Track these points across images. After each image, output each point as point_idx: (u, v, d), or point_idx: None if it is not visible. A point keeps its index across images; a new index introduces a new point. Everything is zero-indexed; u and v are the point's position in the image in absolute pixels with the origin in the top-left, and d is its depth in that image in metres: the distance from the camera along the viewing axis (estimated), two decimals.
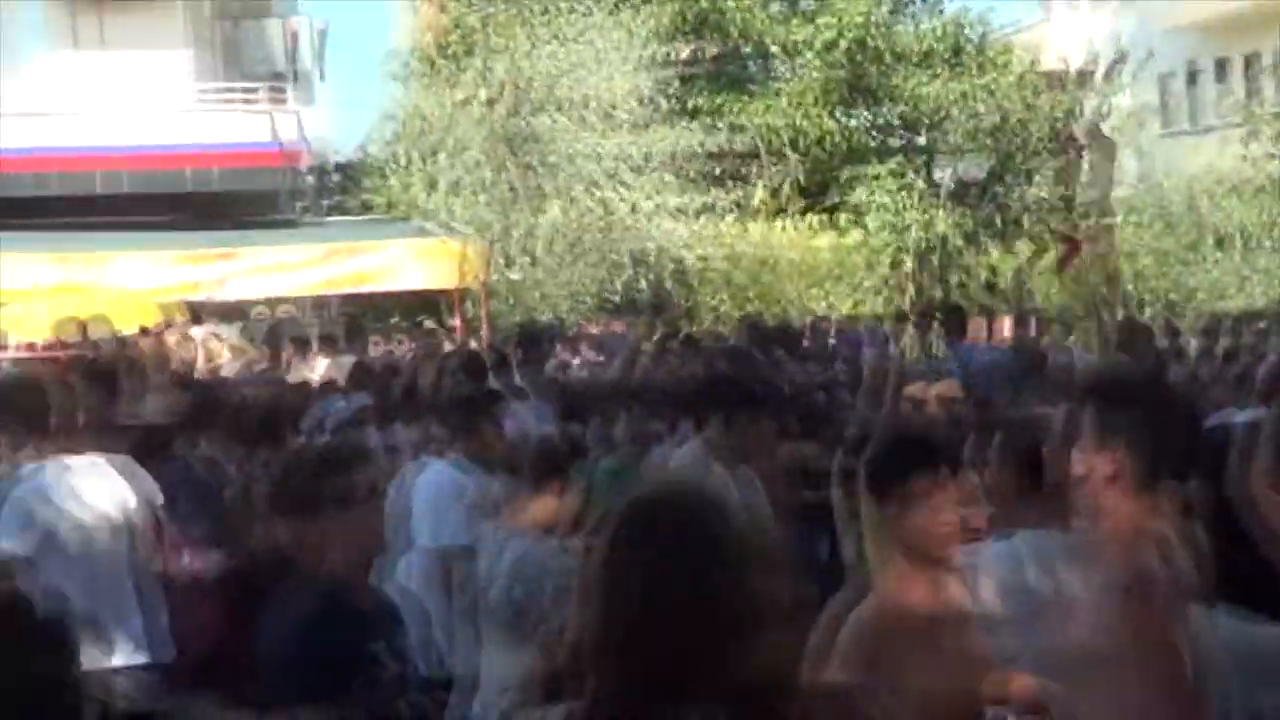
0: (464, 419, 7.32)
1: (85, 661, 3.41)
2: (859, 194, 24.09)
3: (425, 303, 21.41)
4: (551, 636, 4.39)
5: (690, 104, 24.67)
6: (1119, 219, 23.53)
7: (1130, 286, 21.53)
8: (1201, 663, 2.77)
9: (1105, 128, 24.35)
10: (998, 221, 24.01)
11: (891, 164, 24.54)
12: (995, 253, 23.39)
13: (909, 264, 22.67)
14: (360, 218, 23.08)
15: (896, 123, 25.78)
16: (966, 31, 25.43)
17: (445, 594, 6.66)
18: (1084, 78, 25.87)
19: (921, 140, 25.52)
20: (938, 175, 23.77)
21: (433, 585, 6.75)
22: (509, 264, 21.03)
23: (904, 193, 23.73)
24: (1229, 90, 28.01)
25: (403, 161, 22.80)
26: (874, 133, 25.93)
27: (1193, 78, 34.81)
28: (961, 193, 22.99)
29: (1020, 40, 27.20)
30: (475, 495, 6.76)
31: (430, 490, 7.08)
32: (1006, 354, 13.13)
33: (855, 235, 23.70)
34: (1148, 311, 19.85)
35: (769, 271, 22.60)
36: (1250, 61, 32.06)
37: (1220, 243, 22.34)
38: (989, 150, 24.10)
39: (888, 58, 25.01)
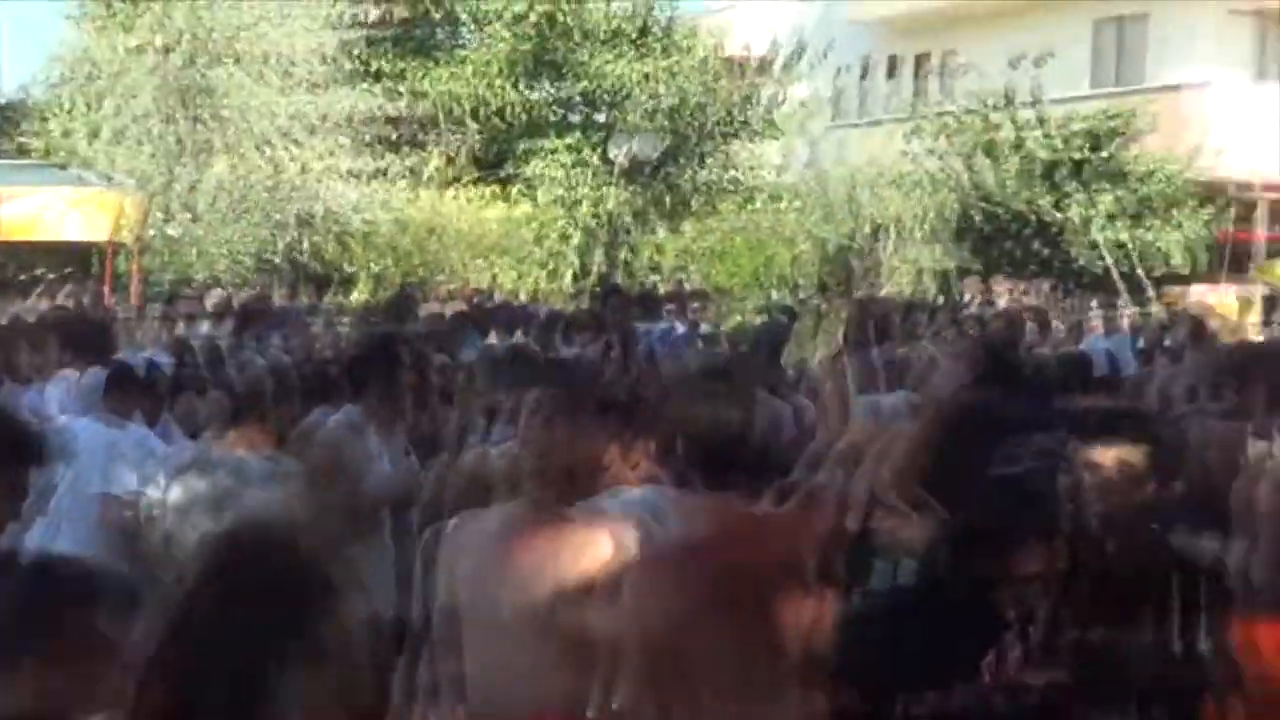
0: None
1: None
2: (533, 167, 24.71)
3: (76, 256, 20.90)
4: None
5: (374, 67, 24.83)
6: (783, 204, 24.71)
7: (789, 270, 22.64)
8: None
9: (778, 116, 25.54)
10: (667, 201, 24.98)
11: (569, 139, 25.20)
12: (662, 232, 24.28)
13: (576, 239, 23.37)
14: (12, 161, 22.45)
15: (578, 99, 26.28)
16: (654, 12, 26.17)
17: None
18: (765, 65, 27.05)
19: (601, 117, 26.15)
20: (613, 153, 24.47)
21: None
22: (169, 219, 20.86)
23: (578, 168, 24.43)
24: (899, 87, 29.62)
25: (66, 106, 22.43)
26: (555, 107, 26.29)
27: (865, 72, 36.86)
28: (635, 171, 23.82)
29: (707, 24, 28.21)
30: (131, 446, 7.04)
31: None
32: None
33: (526, 208, 24.28)
34: (798, 296, 20.94)
35: (436, 240, 22.92)
36: (921, 60, 34.22)
37: (876, 232, 23.79)
38: (665, 131, 24.99)
39: (575, 34, 25.55)
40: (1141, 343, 15.63)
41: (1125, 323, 20.69)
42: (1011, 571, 3.43)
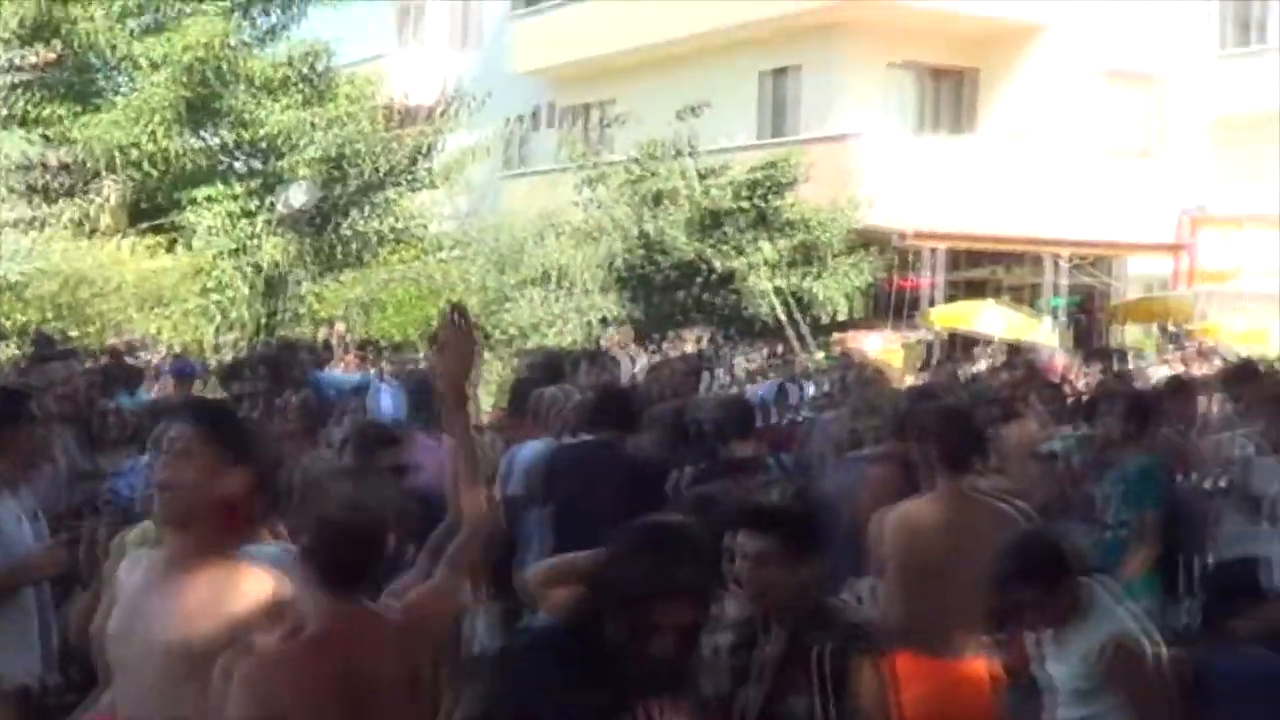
0: None
1: None
2: (193, 215, 24.16)
3: None
4: None
5: (31, 114, 23.94)
6: (446, 253, 24.78)
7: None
8: None
9: (439, 165, 25.60)
10: (327, 251, 24.77)
11: (230, 187, 24.72)
12: (322, 282, 24.03)
13: (238, 289, 22.89)
14: None
15: (239, 146, 25.86)
16: (315, 61, 25.90)
17: None
18: (425, 114, 27.02)
19: (262, 165, 25.78)
20: (276, 201, 24.14)
21: None
22: None
23: (239, 217, 24.01)
24: (568, 136, 29.98)
25: None
26: (217, 155, 25.91)
27: (535, 122, 37.19)
28: (295, 220, 23.52)
29: (369, 72, 28.00)
30: None
31: None
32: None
33: (190, 258, 23.66)
34: None
35: (87, 288, 22.08)
36: (586, 110, 34.65)
37: (536, 281, 23.93)
38: (325, 179, 24.76)
39: (236, 81, 25.14)
40: (811, 389, 15.93)
41: (792, 370, 21.22)
42: (659, 622, 3.72)
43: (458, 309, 4.46)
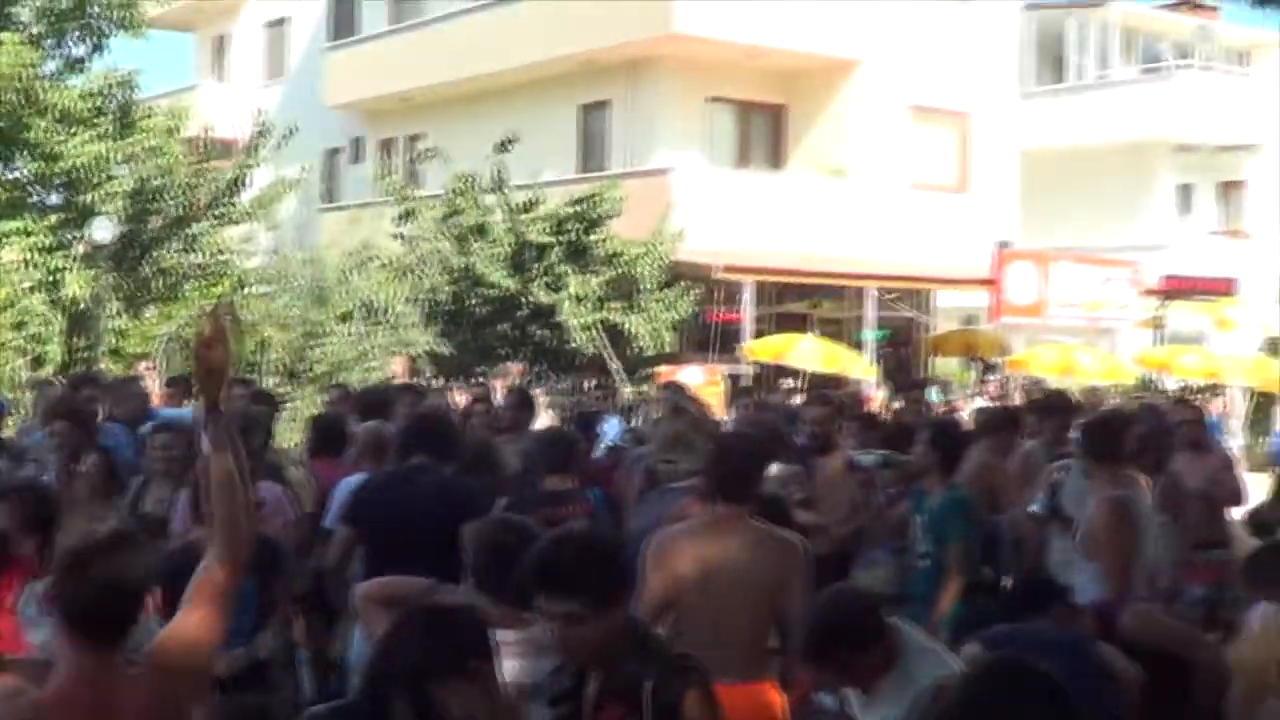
0: None
1: None
2: (10, 250, 23.76)
3: None
4: None
5: None
6: (258, 288, 24.59)
7: (257, 355, 22.41)
8: None
9: (246, 199, 25.41)
10: (136, 285, 24.41)
11: (37, 221, 24.29)
12: (125, 317, 23.66)
13: (48, 324, 22.46)
14: None
15: (46, 179, 25.37)
16: (122, 92, 25.53)
17: None
18: (241, 147, 26.76)
19: (70, 198, 25.32)
20: (77, 235, 23.78)
21: None
22: None
23: (47, 251, 23.63)
24: (384, 169, 29.96)
25: None
26: (24, 187, 25.42)
27: (353, 155, 37.15)
28: (102, 254, 23.16)
29: (172, 105, 27.64)
30: None
31: None
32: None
33: (4, 292, 23.16)
34: (272, 380, 20.72)
35: None
36: (403, 144, 34.79)
37: (351, 315, 23.85)
38: (134, 213, 24.46)
39: (36, 113, 24.68)
40: (637, 421, 16.22)
41: (614, 402, 21.48)
42: (444, 703, 3.87)
43: (222, 308, 4.42)
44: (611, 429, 14.64)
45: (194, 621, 4.07)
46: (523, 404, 12.07)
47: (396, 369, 21.14)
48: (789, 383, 23.10)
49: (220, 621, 4.10)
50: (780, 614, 6.14)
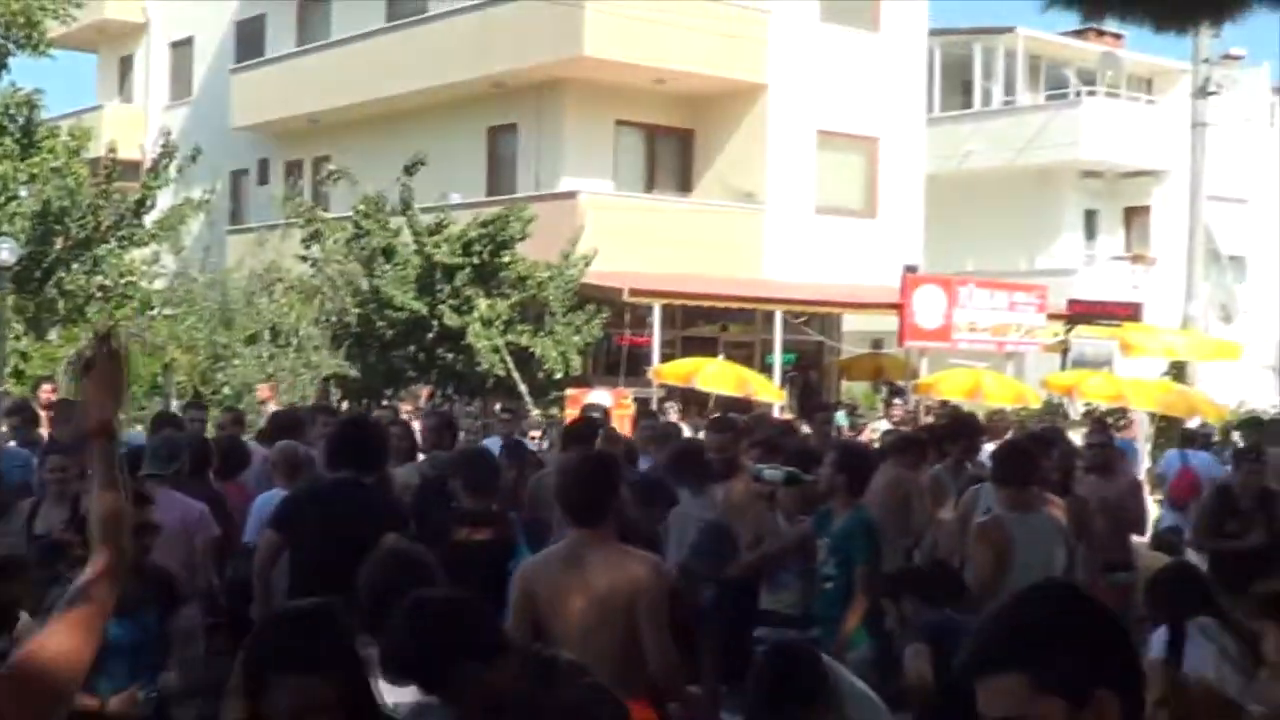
0: None
1: None
2: None
3: None
4: None
5: None
6: (157, 311, 24.65)
7: (163, 378, 22.52)
8: None
9: (151, 220, 25.46)
10: (33, 307, 24.42)
11: None
12: (27, 339, 23.68)
13: None
14: None
15: None
16: (17, 112, 25.55)
17: None
18: (138, 169, 26.80)
19: None
20: None
21: None
22: None
23: None
24: (292, 191, 30.04)
25: None
26: None
27: (261, 176, 37.13)
28: (2, 277, 23.20)
29: (76, 126, 27.67)
30: None
31: None
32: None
33: None
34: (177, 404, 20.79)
35: None
36: (308, 167, 34.75)
37: (258, 338, 23.96)
38: (36, 235, 24.48)
39: None
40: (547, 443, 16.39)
41: (522, 425, 21.62)
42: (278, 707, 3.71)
43: (108, 333, 4.17)
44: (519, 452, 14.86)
45: (57, 644, 3.72)
46: (444, 426, 12.31)
47: (264, 393, 21.09)
48: (673, 405, 23.19)
49: (89, 648, 3.78)
50: (640, 631, 6.18)
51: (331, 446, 8.47)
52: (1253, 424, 19.36)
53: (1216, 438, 23.02)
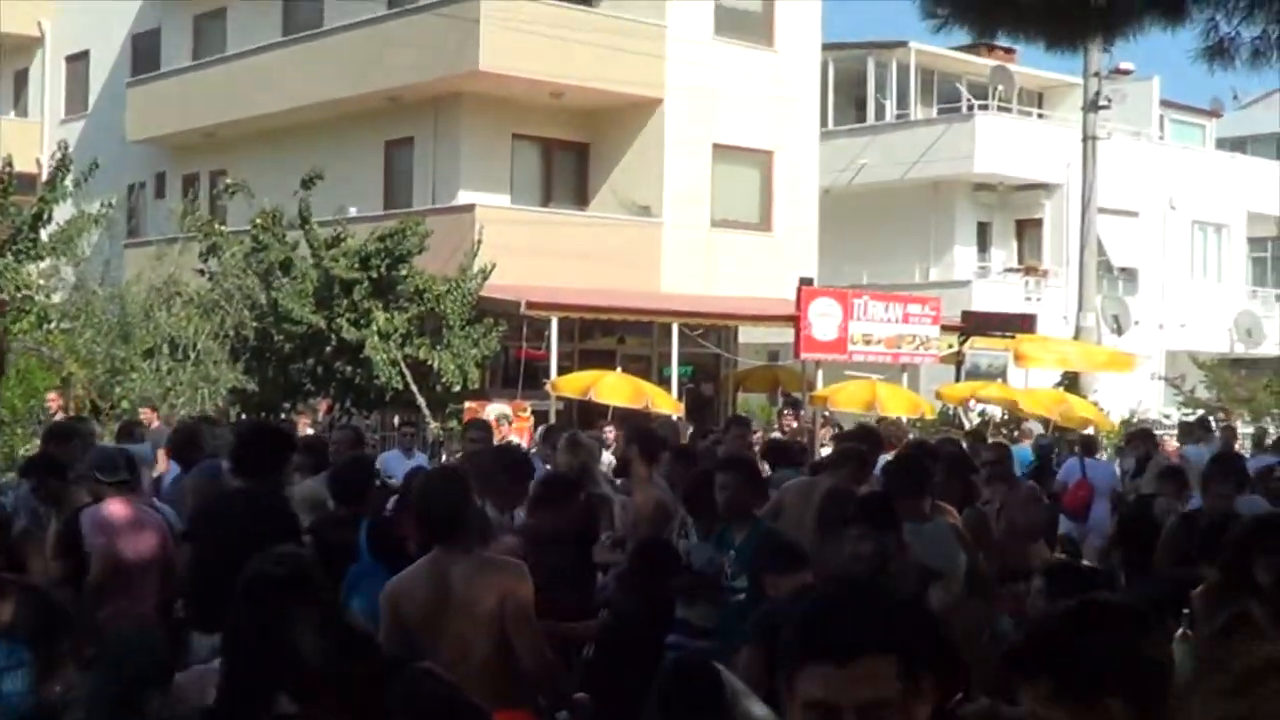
0: None
1: None
2: None
3: None
4: None
5: None
6: (55, 324, 24.79)
7: (55, 392, 22.66)
8: None
9: (48, 234, 25.59)
10: None
11: None
12: None
13: None
14: None
15: None
16: None
17: None
18: (35, 182, 26.92)
19: None
20: None
21: None
22: None
23: None
24: (190, 205, 30.11)
25: None
26: None
27: (157, 189, 37.27)
28: None
29: None
30: None
31: None
32: None
33: None
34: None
35: None
36: (203, 180, 35.03)
37: (156, 351, 24.21)
38: None
39: None
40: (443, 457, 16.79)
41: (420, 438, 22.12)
42: None
43: None
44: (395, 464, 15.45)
45: None
46: (356, 440, 12.94)
47: (146, 414, 21.08)
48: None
49: None
50: (511, 637, 6.31)
51: (234, 454, 8.67)
52: (1143, 435, 19.48)
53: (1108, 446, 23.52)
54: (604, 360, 28.98)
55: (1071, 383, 31.13)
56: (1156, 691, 2.85)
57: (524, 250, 27.81)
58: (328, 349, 26.00)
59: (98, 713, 5.89)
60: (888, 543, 7.33)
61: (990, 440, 18.61)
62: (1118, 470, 17.73)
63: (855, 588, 2.96)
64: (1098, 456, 18.62)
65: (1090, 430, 23.87)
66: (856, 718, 2.55)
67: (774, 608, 6.66)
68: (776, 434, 22.83)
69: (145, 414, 21.20)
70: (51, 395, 21.47)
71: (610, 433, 20.56)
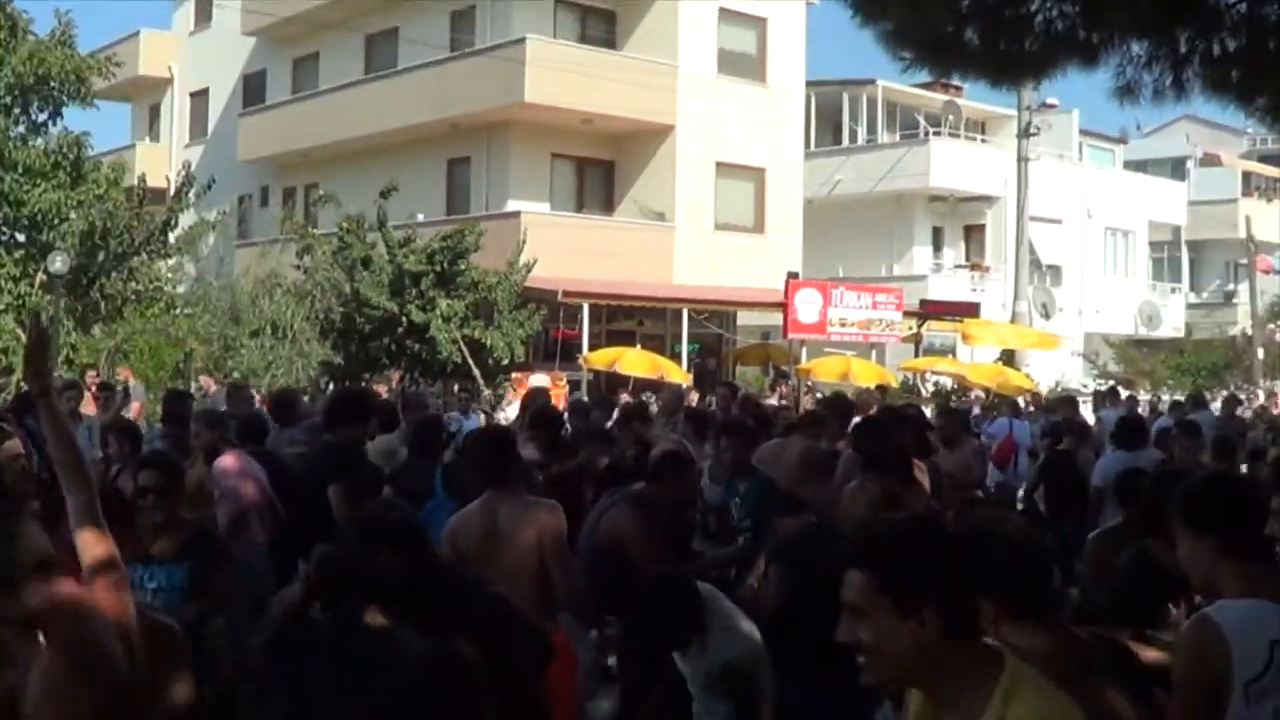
0: None
1: None
2: None
3: None
4: None
5: None
6: (184, 309, 24.84)
7: (183, 365, 22.71)
8: None
9: (174, 237, 25.65)
10: (87, 308, 24.63)
11: (6, 256, 24.51)
12: (76, 334, 23.84)
13: (8, 339, 22.54)
14: None
15: (13, 222, 25.38)
16: (74, 150, 25.74)
17: None
18: (164, 196, 26.95)
19: (24, 238, 25.50)
20: (38, 267, 24.02)
21: None
22: None
23: (14, 281, 23.91)
24: (289, 213, 30.06)
25: None
26: (3, 228, 25.58)
27: (263, 200, 37.22)
28: (53, 283, 23.40)
29: (115, 161, 27.81)
30: None
31: None
32: None
33: None
34: (193, 385, 21.06)
35: None
36: (300, 191, 34.94)
37: (260, 332, 24.19)
38: (84, 249, 24.71)
39: (5, 168, 24.71)
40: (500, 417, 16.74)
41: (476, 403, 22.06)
42: None
43: (37, 320, 4.40)
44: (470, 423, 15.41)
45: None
46: (422, 404, 12.79)
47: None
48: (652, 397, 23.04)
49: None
50: (549, 566, 6.17)
51: (327, 413, 8.59)
52: (1066, 400, 19.33)
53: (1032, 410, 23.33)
54: (626, 339, 28.96)
55: (1009, 358, 31.02)
56: (967, 609, 2.81)
57: (561, 249, 27.65)
58: (400, 329, 25.77)
59: (232, 621, 6.18)
60: (893, 485, 7.18)
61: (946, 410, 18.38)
62: (1037, 430, 17.43)
63: (870, 525, 3.10)
64: (1024, 420, 18.41)
65: (1022, 399, 23.60)
66: (850, 611, 2.80)
67: (787, 538, 6.58)
68: (773, 400, 22.72)
69: (204, 380, 21.20)
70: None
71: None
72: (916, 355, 31.10)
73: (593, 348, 27.29)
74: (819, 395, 22.80)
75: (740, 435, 8.98)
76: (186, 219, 26.82)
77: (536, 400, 13.29)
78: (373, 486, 7.81)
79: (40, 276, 23.62)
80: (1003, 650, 2.88)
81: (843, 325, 27.95)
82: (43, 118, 25.89)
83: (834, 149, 39.66)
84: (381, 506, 4.77)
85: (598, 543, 7.15)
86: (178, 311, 24.98)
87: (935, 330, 32.84)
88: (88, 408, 13.51)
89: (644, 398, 20.62)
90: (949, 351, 33.42)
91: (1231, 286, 50.47)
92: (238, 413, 11.26)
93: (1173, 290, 47.01)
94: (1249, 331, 44.06)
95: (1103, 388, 26.69)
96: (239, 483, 8.46)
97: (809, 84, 35.03)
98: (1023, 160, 32.89)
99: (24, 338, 22.39)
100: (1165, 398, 29.22)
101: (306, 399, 15.31)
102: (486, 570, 5.89)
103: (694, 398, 20.34)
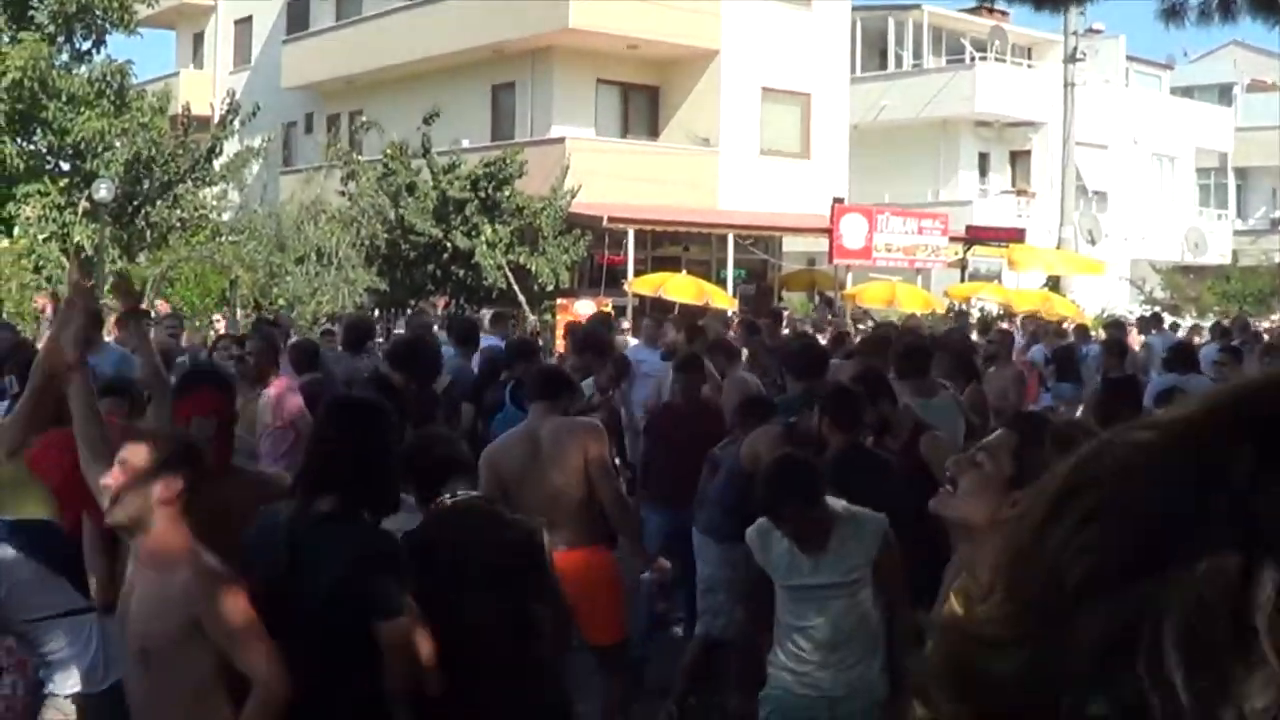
0: None
1: None
2: (30, 208, 23.89)
3: None
4: None
5: None
6: (229, 237, 24.73)
7: (230, 292, 22.63)
8: None
9: (219, 165, 25.45)
10: (132, 236, 24.57)
11: (50, 184, 24.44)
12: (122, 262, 23.75)
13: (53, 267, 22.48)
14: None
15: (57, 150, 25.42)
16: (117, 79, 25.52)
17: None
18: (209, 123, 26.74)
19: (77, 165, 25.38)
20: (83, 195, 23.90)
21: None
22: None
23: (58, 209, 23.83)
24: (333, 139, 29.85)
25: None
26: (41, 157, 25.43)
27: (307, 127, 36.95)
28: (98, 211, 23.23)
29: (159, 89, 27.64)
30: None
31: None
32: None
33: (18, 242, 23.17)
34: (239, 313, 20.96)
35: None
36: (344, 118, 34.63)
37: (305, 259, 24.04)
38: (129, 177, 24.58)
39: (49, 96, 24.69)
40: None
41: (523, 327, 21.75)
42: None
43: (81, 267, 4.23)
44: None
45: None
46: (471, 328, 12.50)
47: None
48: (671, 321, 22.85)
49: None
50: (593, 484, 6.14)
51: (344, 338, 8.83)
52: (1114, 324, 19.14)
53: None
54: (671, 264, 28.61)
55: (1054, 284, 31.01)
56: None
57: (606, 174, 27.38)
58: (445, 255, 25.74)
59: None
60: (883, 408, 7.04)
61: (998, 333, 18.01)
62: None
63: None
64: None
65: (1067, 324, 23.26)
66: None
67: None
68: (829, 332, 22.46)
69: (218, 318, 20.98)
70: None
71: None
72: (962, 281, 31.09)
73: (638, 274, 27.12)
74: (867, 322, 22.47)
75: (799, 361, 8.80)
76: (231, 146, 26.62)
77: (583, 327, 13.00)
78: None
79: (84, 204, 23.41)
80: None
81: (888, 251, 28.18)
82: (86, 46, 25.72)
83: (879, 74, 39.36)
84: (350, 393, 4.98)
85: (740, 465, 7.08)
86: (223, 239, 24.91)
87: (981, 256, 32.77)
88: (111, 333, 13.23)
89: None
90: (994, 277, 33.38)
91: (1278, 213, 49.52)
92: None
93: (1219, 216, 46.41)
94: None
95: (1148, 314, 26.19)
96: (286, 404, 8.20)
97: (854, 8, 34.64)
98: (1069, 86, 32.71)
99: (68, 266, 22.29)
100: (1205, 324, 28.73)
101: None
102: (533, 492, 5.87)
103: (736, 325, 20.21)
